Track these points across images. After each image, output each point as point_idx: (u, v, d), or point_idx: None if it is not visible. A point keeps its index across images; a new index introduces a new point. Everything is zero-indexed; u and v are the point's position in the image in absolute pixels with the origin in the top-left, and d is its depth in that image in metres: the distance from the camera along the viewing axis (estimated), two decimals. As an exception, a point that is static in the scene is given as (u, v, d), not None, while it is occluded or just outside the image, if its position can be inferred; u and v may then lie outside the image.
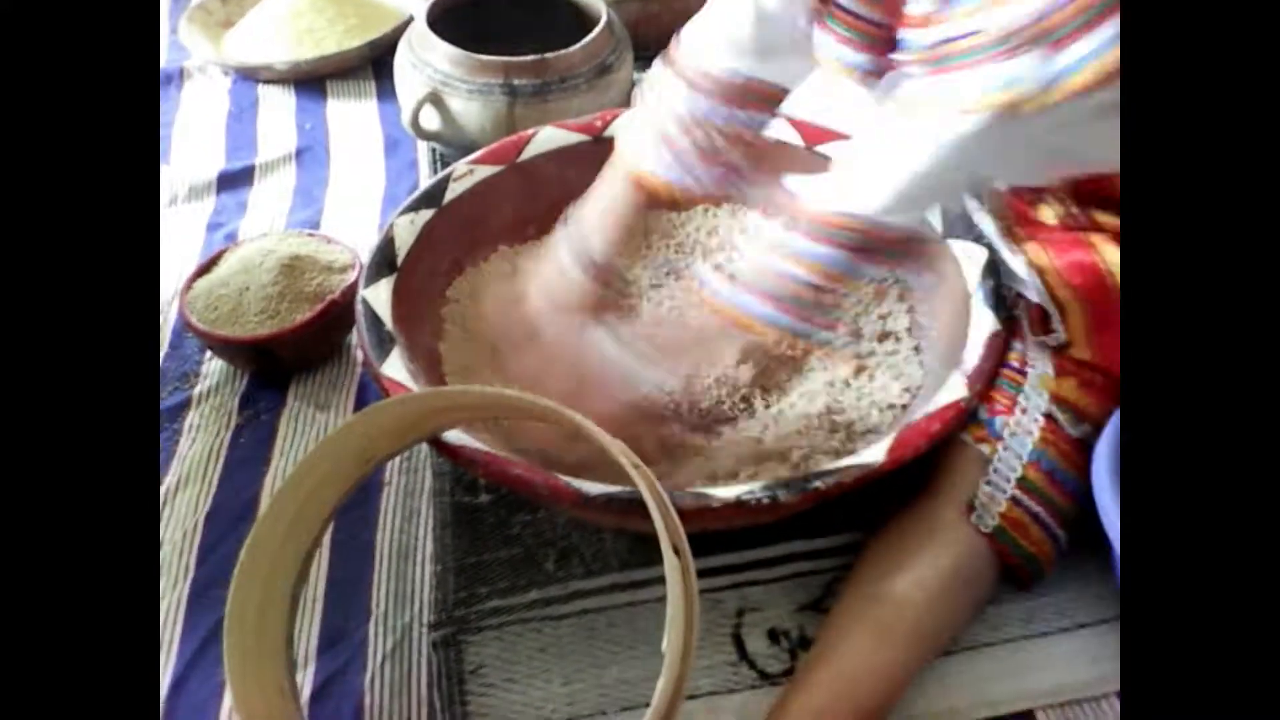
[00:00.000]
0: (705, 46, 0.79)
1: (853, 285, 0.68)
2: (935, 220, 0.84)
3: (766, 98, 0.80)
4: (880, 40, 0.71)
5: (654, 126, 0.79)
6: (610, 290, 0.82)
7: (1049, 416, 0.67)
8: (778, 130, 0.91)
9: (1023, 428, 0.67)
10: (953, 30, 0.59)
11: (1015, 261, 0.74)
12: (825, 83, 0.82)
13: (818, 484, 0.64)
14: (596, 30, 1.08)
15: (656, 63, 0.83)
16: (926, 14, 0.63)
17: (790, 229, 0.66)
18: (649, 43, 1.31)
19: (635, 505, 0.60)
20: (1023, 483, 0.66)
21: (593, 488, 0.64)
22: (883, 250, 0.65)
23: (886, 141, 0.65)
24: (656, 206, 0.84)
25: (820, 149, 0.92)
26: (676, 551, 0.57)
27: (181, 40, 1.35)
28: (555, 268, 0.80)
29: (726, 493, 0.64)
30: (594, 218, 0.81)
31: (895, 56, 0.69)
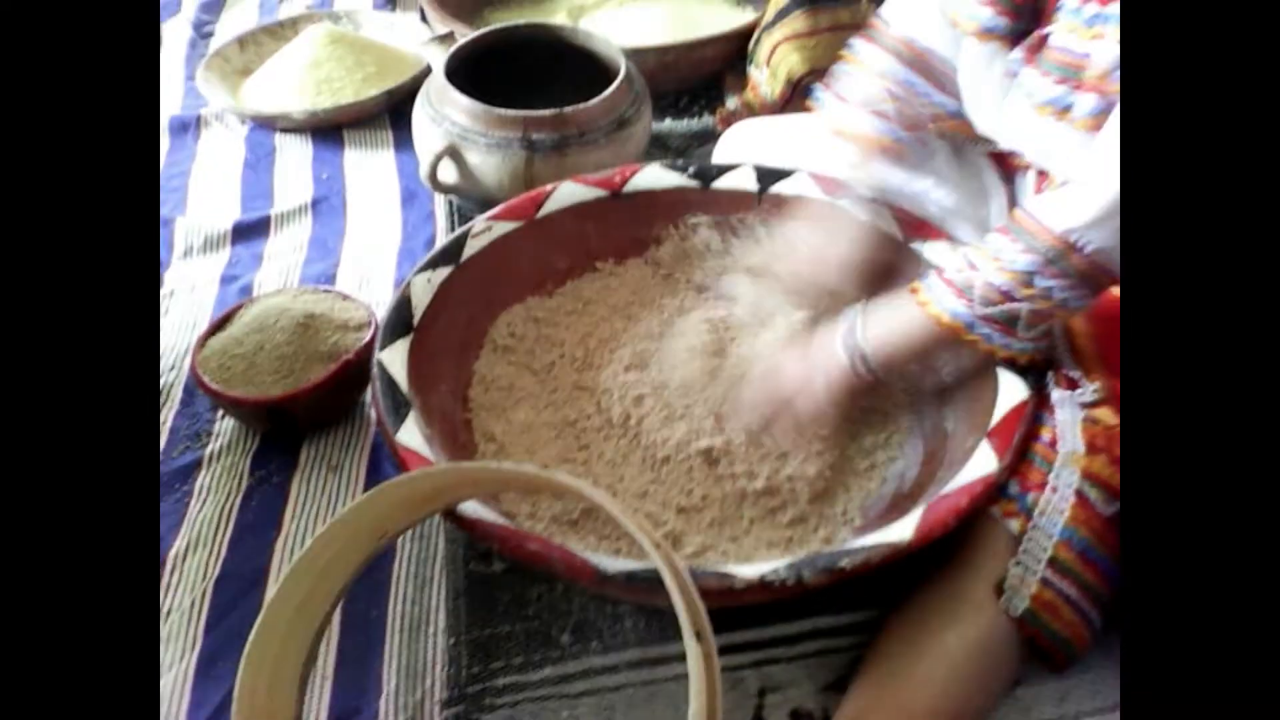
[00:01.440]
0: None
1: (1047, 305, 0.66)
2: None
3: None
4: (1024, 9, 0.72)
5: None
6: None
7: (1080, 494, 0.65)
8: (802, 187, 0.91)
9: (1053, 506, 0.65)
10: None
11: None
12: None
13: (844, 563, 0.62)
14: (615, 84, 1.07)
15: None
16: None
17: (1008, 234, 0.67)
18: (666, 93, 1.32)
19: (655, 584, 0.58)
20: (1054, 563, 0.64)
21: (611, 564, 0.62)
22: (1073, 274, 0.64)
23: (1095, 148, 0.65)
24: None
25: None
26: (699, 636, 0.55)
27: (199, 88, 1.35)
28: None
29: (750, 572, 0.62)
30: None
31: (1051, 28, 0.69)
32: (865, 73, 0.83)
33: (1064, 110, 0.69)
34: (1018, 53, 0.72)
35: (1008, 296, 0.66)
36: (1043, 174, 0.79)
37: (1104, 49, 0.65)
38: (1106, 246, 0.63)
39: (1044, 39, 0.70)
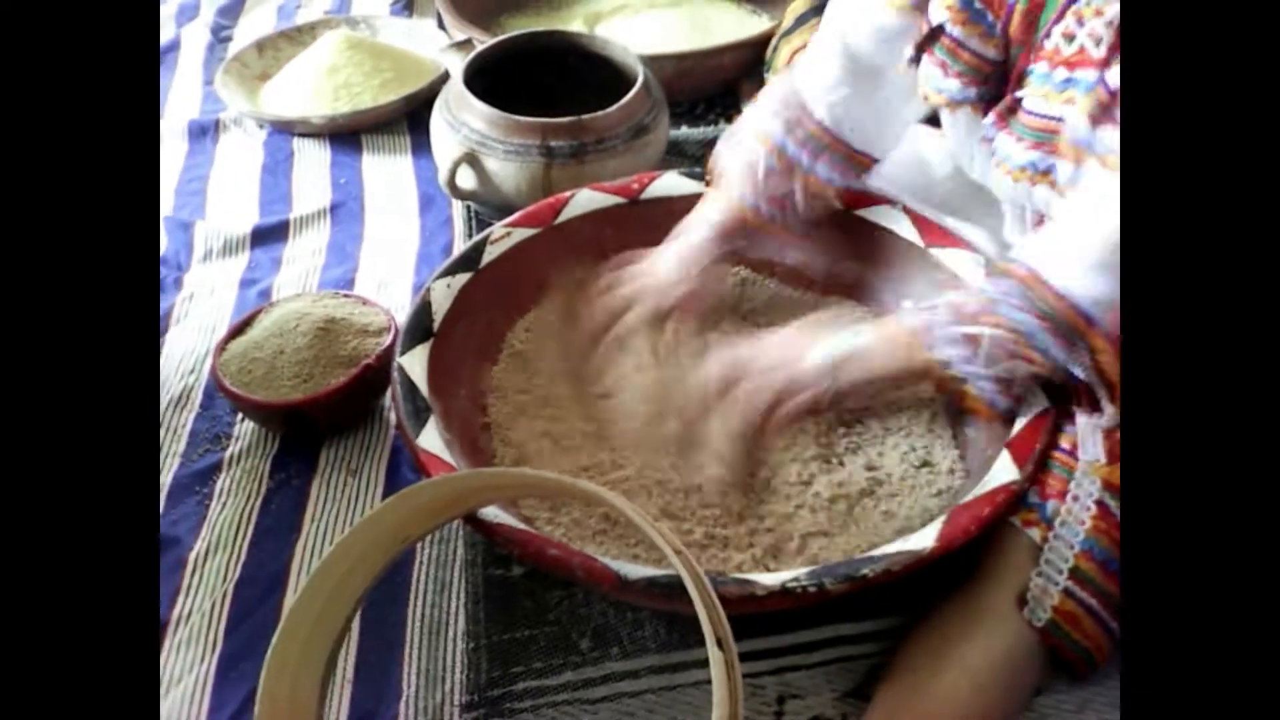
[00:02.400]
0: (809, 83, 0.83)
1: (1032, 356, 0.65)
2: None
3: (850, 159, 0.84)
4: (981, 72, 0.71)
5: (747, 155, 0.85)
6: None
7: (1101, 504, 0.65)
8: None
9: (1074, 516, 0.65)
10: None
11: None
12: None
13: (865, 571, 0.62)
14: (633, 91, 1.07)
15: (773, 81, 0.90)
16: (1101, 56, 0.62)
17: (998, 283, 0.67)
18: (683, 100, 1.32)
19: (676, 590, 0.58)
20: (1075, 573, 0.64)
21: (632, 571, 0.62)
22: (1067, 333, 0.64)
23: (1083, 202, 0.64)
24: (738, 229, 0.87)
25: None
26: (720, 644, 0.55)
27: (218, 92, 1.36)
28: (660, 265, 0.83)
29: (771, 580, 0.62)
30: (700, 227, 0.85)
31: (1022, 93, 0.69)
32: (750, 131, 0.85)
33: (1043, 173, 0.69)
34: (990, 119, 0.72)
35: (972, 318, 0.67)
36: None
37: (1075, 113, 0.64)
38: (1098, 297, 0.62)
39: (1016, 103, 0.70)
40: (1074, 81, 0.64)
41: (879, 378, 0.72)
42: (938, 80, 0.74)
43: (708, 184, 0.92)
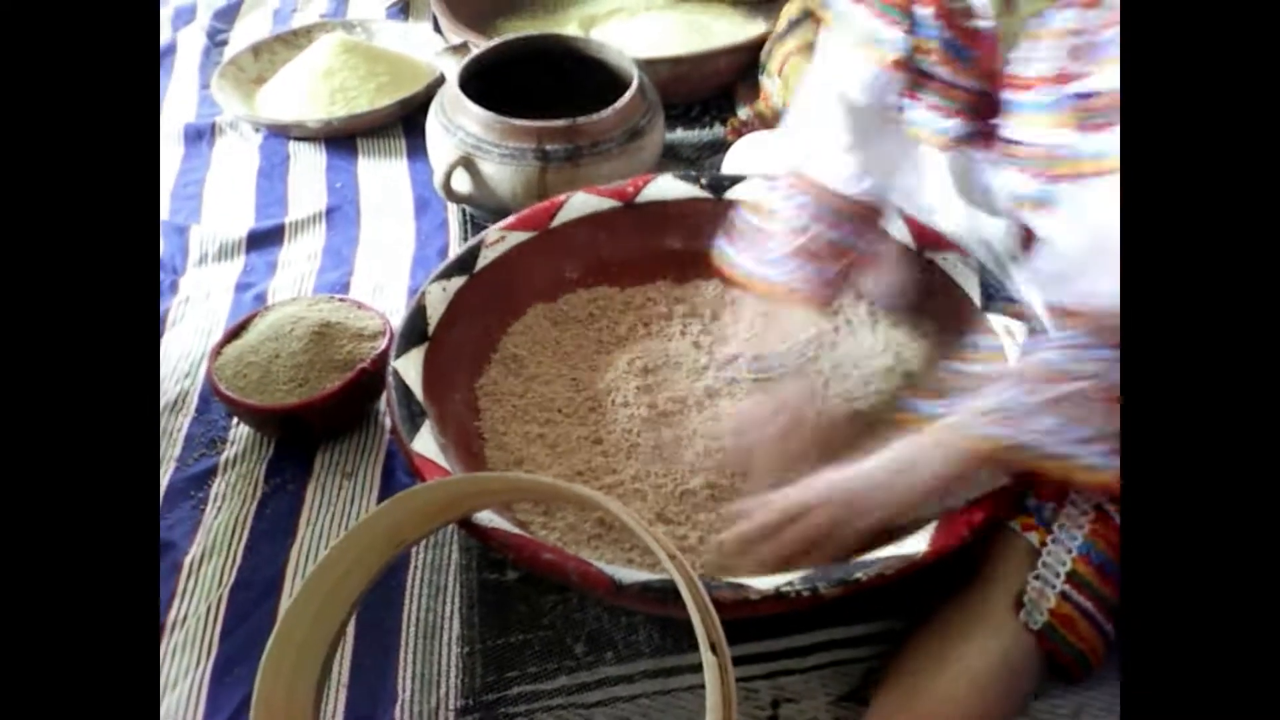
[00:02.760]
0: (815, 153, 0.80)
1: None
2: (974, 293, 0.83)
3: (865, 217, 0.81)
4: (973, 106, 0.71)
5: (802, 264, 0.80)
6: None
7: (1099, 508, 0.65)
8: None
9: (1072, 519, 0.65)
10: (1097, 84, 0.58)
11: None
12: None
13: (859, 575, 0.62)
14: (628, 94, 1.07)
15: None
16: (1056, 71, 0.61)
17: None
18: (678, 103, 1.32)
19: (670, 595, 0.58)
20: (1073, 577, 0.64)
21: (627, 575, 0.63)
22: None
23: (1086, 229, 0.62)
24: None
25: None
26: (714, 648, 0.55)
27: (213, 96, 1.36)
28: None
29: (765, 584, 0.62)
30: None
31: (1000, 120, 0.68)
32: (775, 223, 0.81)
33: (1043, 203, 0.67)
34: (991, 155, 0.72)
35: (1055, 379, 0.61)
36: None
37: (1062, 131, 0.63)
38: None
39: (996, 131, 0.69)
40: (1040, 105, 0.64)
41: (915, 502, 0.66)
42: (936, 123, 0.73)
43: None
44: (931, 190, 0.92)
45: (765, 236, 0.81)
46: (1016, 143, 0.67)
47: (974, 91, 0.71)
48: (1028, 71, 0.64)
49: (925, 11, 0.70)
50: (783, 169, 0.83)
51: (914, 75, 0.74)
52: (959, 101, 0.72)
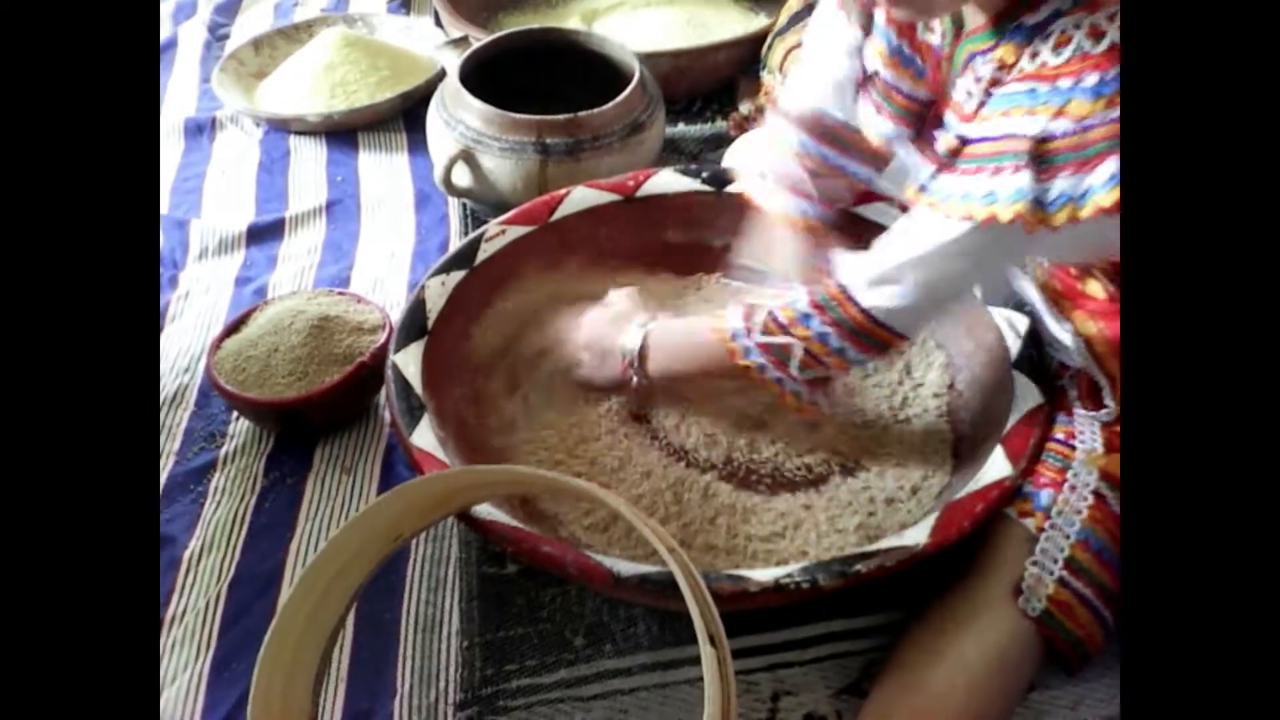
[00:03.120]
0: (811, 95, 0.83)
1: (820, 349, 0.70)
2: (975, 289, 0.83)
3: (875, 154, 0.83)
4: (915, 115, 0.73)
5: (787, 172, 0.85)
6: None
7: (1098, 495, 0.65)
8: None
9: (1070, 506, 0.65)
10: (990, 129, 0.61)
11: (1060, 330, 0.72)
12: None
13: (859, 567, 0.62)
14: (629, 88, 1.07)
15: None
16: (971, 109, 0.65)
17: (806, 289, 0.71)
18: (679, 97, 1.32)
19: (669, 587, 0.58)
20: (1071, 563, 0.64)
21: (626, 568, 0.62)
22: (857, 333, 0.68)
23: (901, 227, 0.68)
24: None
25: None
26: (713, 641, 0.55)
27: (214, 90, 1.36)
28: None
29: (764, 576, 0.62)
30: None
31: (937, 133, 0.69)
32: (782, 150, 0.84)
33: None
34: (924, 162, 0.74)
35: (782, 329, 0.70)
36: None
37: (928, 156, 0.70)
38: (883, 306, 0.67)
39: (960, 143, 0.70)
40: (948, 128, 0.69)
41: (692, 373, 0.78)
42: (873, 119, 0.77)
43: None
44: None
45: (778, 163, 0.85)
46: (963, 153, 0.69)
47: (916, 99, 0.73)
48: (962, 101, 0.67)
49: (880, 15, 0.73)
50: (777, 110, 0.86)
51: (865, 74, 0.77)
52: (898, 106, 0.74)
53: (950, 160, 0.66)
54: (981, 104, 0.64)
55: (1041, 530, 0.66)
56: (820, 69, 0.80)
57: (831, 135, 0.83)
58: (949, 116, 0.69)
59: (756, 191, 0.88)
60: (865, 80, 0.76)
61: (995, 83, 0.63)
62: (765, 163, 0.86)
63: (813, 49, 0.82)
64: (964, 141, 0.64)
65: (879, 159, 0.85)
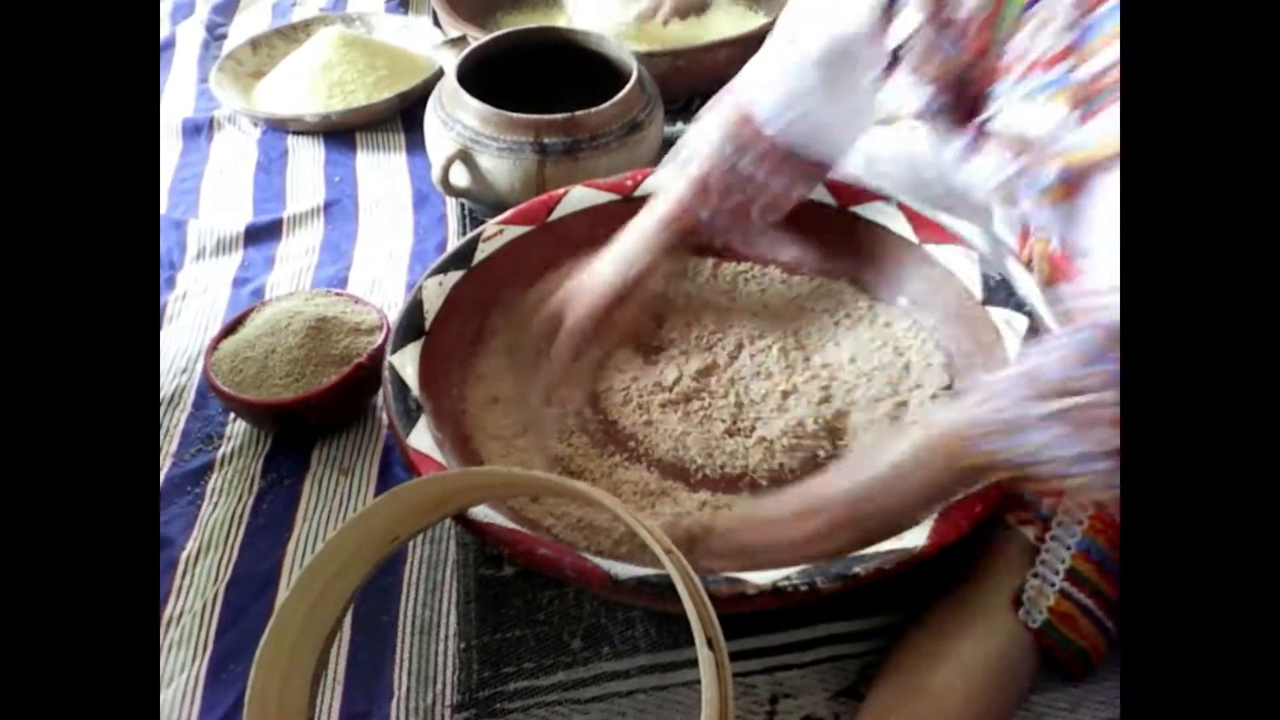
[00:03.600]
0: (761, 101, 0.81)
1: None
2: (975, 287, 0.83)
3: (806, 171, 0.82)
4: (964, 84, 0.69)
5: (697, 171, 0.83)
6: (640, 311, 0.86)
7: (1098, 504, 0.65)
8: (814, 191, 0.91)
9: (1070, 515, 0.65)
10: (1096, 65, 0.57)
11: (1054, 318, 0.72)
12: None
13: (857, 570, 0.62)
14: (627, 87, 1.07)
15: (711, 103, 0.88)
16: (1053, 52, 0.60)
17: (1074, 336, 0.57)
18: (678, 97, 1.31)
19: (667, 590, 0.58)
20: (1072, 574, 0.63)
21: (623, 570, 0.62)
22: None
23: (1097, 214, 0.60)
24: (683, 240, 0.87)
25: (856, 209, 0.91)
26: (710, 644, 0.54)
27: (212, 90, 1.36)
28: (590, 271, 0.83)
29: (762, 579, 0.61)
30: (644, 224, 0.85)
31: (990, 114, 0.68)
32: (699, 151, 0.84)
33: (1023, 185, 0.66)
34: (964, 140, 0.71)
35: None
36: None
37: (1050, 116, 0.62)
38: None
39: (982, 125, 0.68)
40: (1048, 84, 0.61)
41: (915, 506, 0.64)
42: (908, 92, 0.72)
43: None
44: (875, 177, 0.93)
45: (690, 175, 0.84)
46: (993, 133, 0.67)
47: (955, 63, 0.68)
48: (1021, 55, 0.63)
49: None
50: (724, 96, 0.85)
51: (892, 44, 0.72)
52: (936, 73, 0.69)
53: (1077, 106, 0.59)
54: (1078, 40, 0.59)
55: (1041, 540, 0.65)
56: (821, 28, 0.77)
57: (764, 156, 0.81)
58: (1003, 81, 0.65)
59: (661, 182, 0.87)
60: (892, 59, 0.72)
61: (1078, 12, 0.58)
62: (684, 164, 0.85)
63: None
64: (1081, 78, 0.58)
65: (816, 175, 0.85)
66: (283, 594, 0.76)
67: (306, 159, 1.27)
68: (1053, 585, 0.63)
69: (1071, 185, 0.63)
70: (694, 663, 0.54)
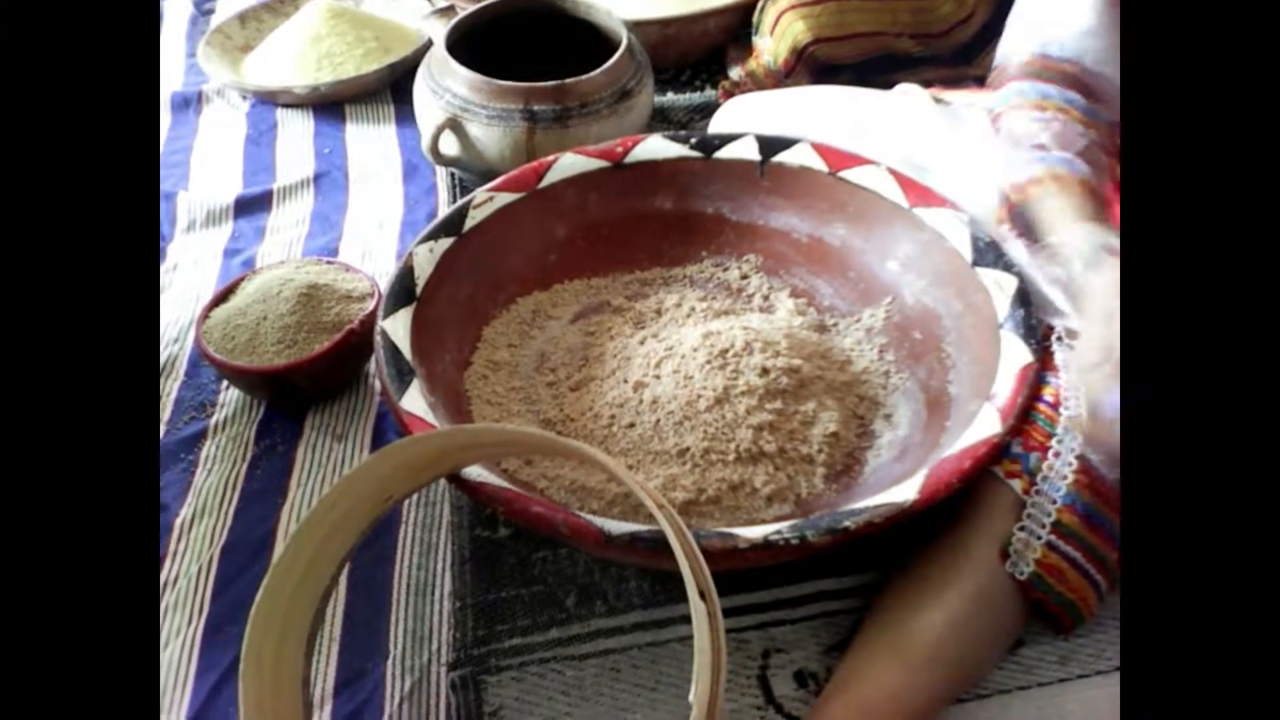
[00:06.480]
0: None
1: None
2: (964, 249, 0.83)
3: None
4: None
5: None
6: None
7: (1083, 459, 0.65)
8: (805, 157, 0.91)
9: (1056, 471, 0.65)
10: None
11: (1050, 290, 0.72)
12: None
13: (847, 524, 0.62)
14: (617, 55, 1.06)
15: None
16: None
17: None
18: (668, 66, 1.31)
19: (660, 546, 0.58)
20: (1058, 527, 0.64)
21: (616, 527, 0.62)
22: None
23: None
24: None
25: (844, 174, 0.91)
26: (702, 595, 0.55)
27: (200, 64, 1.35)
28: None
29: (753, 533, 0.62)
30: None
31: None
32: (1020, 111, 0.80)
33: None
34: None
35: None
36: None
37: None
38: None
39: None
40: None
41: None
42: None
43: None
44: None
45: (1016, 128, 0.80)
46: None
47: None
48: None
49: None
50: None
51: None
52: None
53: None
54: None
55: (1027, 492, 0.66)
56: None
57: (1069, 78, 0.79)
58: None
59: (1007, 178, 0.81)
60: None
61: None
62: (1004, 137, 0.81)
63: None
64: None
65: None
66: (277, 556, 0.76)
67: (296, 131, 1.26)
68: (1039, 538, 0.64)
69: None
70: (687, 619, 0.54)
